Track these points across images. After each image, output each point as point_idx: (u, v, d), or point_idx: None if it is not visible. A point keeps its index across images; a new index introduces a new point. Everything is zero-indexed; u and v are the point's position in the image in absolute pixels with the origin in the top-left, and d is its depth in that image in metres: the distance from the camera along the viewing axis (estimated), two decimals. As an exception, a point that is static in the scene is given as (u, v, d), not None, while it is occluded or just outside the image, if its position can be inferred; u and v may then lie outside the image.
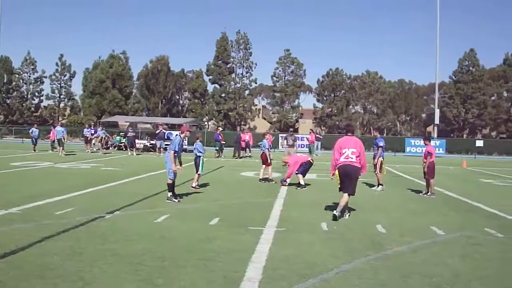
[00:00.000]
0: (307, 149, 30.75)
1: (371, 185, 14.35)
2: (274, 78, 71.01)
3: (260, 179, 14.92)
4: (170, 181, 10.22)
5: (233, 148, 28.92)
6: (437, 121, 38.68)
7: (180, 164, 10.45)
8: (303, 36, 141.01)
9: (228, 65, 67.31)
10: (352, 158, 8.77)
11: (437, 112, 38.50)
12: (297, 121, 75.01)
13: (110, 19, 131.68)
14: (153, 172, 16.67)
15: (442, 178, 16.85)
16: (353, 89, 74.10)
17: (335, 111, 73.70)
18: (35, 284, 4.57)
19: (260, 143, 15.43)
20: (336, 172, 8.87)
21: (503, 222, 9.03)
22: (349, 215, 8.94)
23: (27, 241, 6.17)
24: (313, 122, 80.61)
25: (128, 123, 52.08)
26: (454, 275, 5.42)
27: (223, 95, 67.02)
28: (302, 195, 12.14)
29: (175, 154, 10.23)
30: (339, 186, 8.97)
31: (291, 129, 29.84)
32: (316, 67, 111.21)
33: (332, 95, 74.76)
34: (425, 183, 12.94)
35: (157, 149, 28.23)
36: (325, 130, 71.43)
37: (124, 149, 31.69)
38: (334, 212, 8.56)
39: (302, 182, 13.37)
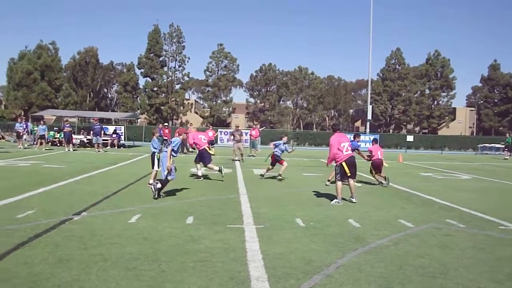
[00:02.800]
0: (249, 144, 30.74)
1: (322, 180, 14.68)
2: (207, 73, 70.67)
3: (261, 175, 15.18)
4: (170, 178, 10.61)
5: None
6: (369, 116, 40.21)
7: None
8: (236, 31, 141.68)
9: (161, 59, 65.95)
10: (349, 150, 10.50)
11: (369, 108, 40.03)
12: (229, 115, 75.06)
13: (38, 6, 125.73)
14: (101, 169, 16.02)
15: (386, 172, 17.53)
16: (285, 85, 75.26)
17: (267, 106, 74.56)
18: (37, 296, 4.25)
19: (276, 142, 15.09)
20: (343, 163, 10.26)
21: (458, 213, 9.60)
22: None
23: (0, 250, 5.72)
24: (245, 117, 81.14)
25: (55, 117, 49.78)
26: (442, 265, 5.72)
27: (155, 89, 65.61)
28: (261, 190, 12.18)
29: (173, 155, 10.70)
30: (346, 174, 10.33)
31: (237, 125, 29.77)
32: (248, 62, 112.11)
33: (265, 90, 75.54)
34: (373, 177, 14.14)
35: (95, 145, 27.14)
36: (257, 124, 72.02)
37: (58, 144, 30.26)
38: (353, 200, 10.43)
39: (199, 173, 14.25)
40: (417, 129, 73.10)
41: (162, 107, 65.24)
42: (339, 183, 10.38)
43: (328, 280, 4.97)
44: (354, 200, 10.42)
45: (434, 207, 10.35)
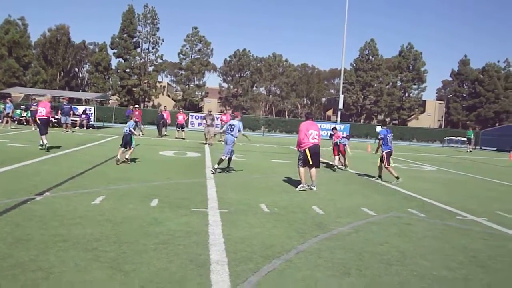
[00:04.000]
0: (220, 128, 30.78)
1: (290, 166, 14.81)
2: (181, 56, 69.90)
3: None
4: (224, 158, 12.46)
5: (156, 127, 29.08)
6: (341, 106, 40.58)
7: None
8: (212, 16, 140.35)
9: (134, 39, 64.92)
10: (316, 139, 10.57)
11: (341, 97, 40.35)
12: (202, 99, 74.63)
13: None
14: (68, 150, 15.75)
15: (355, 161, 17.83)
16: (259, 71, 75.15)
17: (241, 91, 74.39)
18: (-9, 276, 4.20)
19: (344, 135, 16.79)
20: (307, 150, 10.43)
21: (420, 203, 9.85)
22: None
23: (-43, 227, 5.62)
24: (218, 102, 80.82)
25: (23, 95, 48.59)
26: (399, 252, 5.88)
27: (127, 70, 64.63)
28: (228, 175, 12.21)
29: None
30: (308, 162, 10.48)
31: (210, 110, 29.91)
32: (222, 47, 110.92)
33: (238, 75, 75.28)
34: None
35: (63, 125, 26.66)
36: (229, 110, 71.82)
37: (25, 123, 29.63)
38: (314, 188, 10.50)
39: None
40: (387, 120, 74.14)
41: (134, 89, 64.42)
42: (301, 168, 10.62)
43: (287, 265, 5.05)
44: (314, 188, 10.54)
45: (397, 196, 10.59)
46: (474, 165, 22.72)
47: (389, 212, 8.49)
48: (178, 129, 27.49)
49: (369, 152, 26.18)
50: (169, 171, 12.35)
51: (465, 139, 42.00)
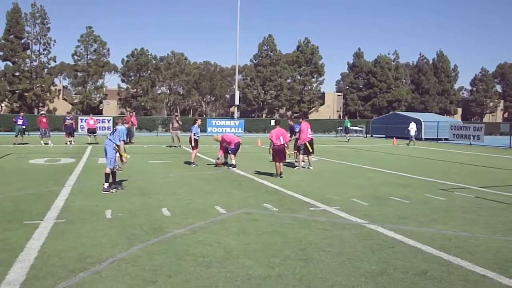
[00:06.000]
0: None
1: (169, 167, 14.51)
2: (76, 57, 66.67)
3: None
4: (108, 171, 10.06)
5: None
6: (237, 102, 40.87)
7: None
8: (106, 14, 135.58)
9: (22, 41, 60.90)
10: (281, 141, 13.41)
11: (237, 93, 40.66)
12: (101, 102, 71.87)
13: None
14: None
15: (246, 159, 17.88)
16: (159, 70, 73.71)
17: (140, 92, 72.52)
18: None
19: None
20: (271, 150, 13.62)
21: (280, 196, 9.95)
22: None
23: None
24: (117, 103, 78.26)
25: None
26: (226, 253, 5.74)
27: (17, 73, 60.53)
28: (94, 181, 11.57)
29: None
30: (275, 157, 13.41)
31: (177, 113, 28.80)
32: (121, 47, 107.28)
33: (137, 75, 73.33)
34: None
35: None
36: (130, 111, 69.79)
37: None
38: (281, 176, 13.03)
39: (233, 162, 15.11)
40: (289, 113, 75.96)
41: (26, 94, 60.45)
42: (276, 163, 13.27)
43: (91, 278, 4.73)
44: (282, 176, 12.96)
45: (259, 191, 10.60)
46: (356, 153, 23.75)
47: (242, 209, 8.43)
48: (89, 134, 26.82)
49: (258, 146, 26.56)
50: (26, 181, 11.52)
51: (357, 128, 44.07)
